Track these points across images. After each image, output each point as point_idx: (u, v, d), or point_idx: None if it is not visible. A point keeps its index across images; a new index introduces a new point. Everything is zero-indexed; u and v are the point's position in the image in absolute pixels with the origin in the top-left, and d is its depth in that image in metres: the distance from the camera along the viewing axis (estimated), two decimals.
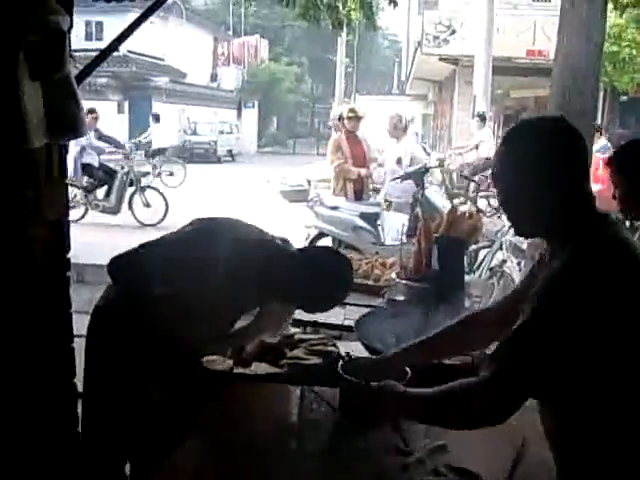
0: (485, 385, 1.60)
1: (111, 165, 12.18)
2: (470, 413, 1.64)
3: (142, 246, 2.83)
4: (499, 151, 1.76)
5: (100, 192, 11.87)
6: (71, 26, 2.22)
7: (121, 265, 2.79)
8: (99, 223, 11.37)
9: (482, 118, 13.70)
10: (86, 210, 11.61)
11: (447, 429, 1.84)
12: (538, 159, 1.66)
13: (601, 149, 10.37)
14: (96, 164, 11.61)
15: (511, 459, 1.86)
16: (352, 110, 8.28)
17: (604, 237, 1.63)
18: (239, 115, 39.43)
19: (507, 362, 1.59)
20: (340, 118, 8.37)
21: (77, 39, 26.48)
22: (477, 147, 13.12)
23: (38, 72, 2.04)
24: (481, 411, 1.62)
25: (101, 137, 11.88)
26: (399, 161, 8.53)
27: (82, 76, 2.63)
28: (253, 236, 2.80)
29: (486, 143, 12.95)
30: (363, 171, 8.06)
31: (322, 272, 2.74)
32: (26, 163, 2.22)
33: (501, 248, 6.48)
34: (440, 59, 23.43)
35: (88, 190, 11.59)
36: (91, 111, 10.99)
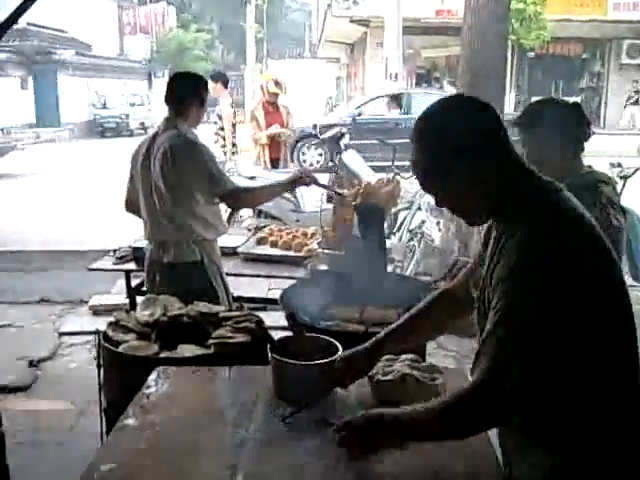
0: (477, 389, 1.52)
1: None
2: (468, 421, 1.56)
3: None
4: (417, 149, 1.63)
5: None
6: None
7: None
8: None
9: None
10: None
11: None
12: (464, 142, 1.56)
13: None
14: None
15: None
16: (277, 83, 8.09)
17: (555, 211, 1.55)
18: (150, 86, 38.43)
19: (495, 361, 1.51)
20: (262, 87, 8.21)
21: None
22: None
23: None
24: (478, 417, 1.55)
25: None
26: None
27: None
28: None
29: None
30: (270, 130, 7.96)
31: None
32: None
33: (420, 209, 6.55)
34: (351, 21, 23.41)
35: None
36: None
